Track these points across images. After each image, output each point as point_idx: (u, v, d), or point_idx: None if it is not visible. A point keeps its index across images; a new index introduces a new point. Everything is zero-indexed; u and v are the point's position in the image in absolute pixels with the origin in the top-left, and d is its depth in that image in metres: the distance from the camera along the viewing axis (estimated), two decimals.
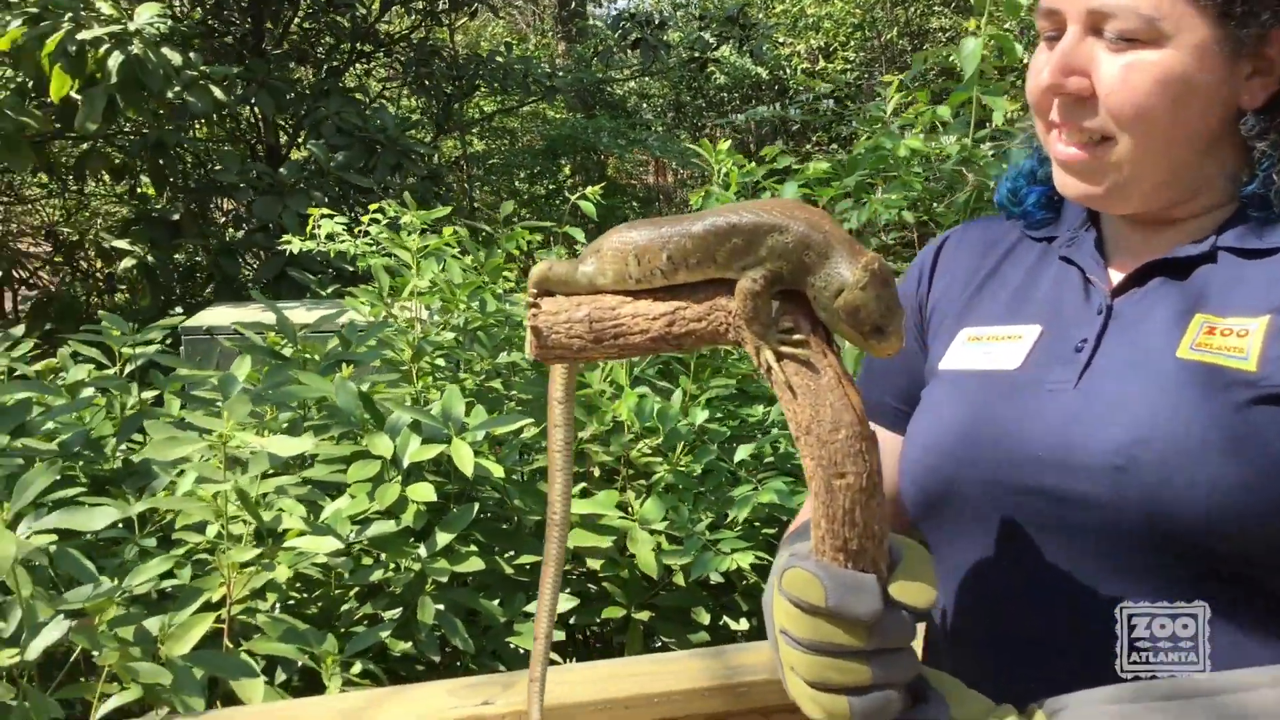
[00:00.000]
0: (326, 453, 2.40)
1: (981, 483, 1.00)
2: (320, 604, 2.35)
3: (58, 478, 2.32)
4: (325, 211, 4.06)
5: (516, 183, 13.85)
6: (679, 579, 2.44)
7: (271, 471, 2.24)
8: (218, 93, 6.78)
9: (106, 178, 9.72)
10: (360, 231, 3.80)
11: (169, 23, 6.60)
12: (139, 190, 10.06)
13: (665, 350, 0.93)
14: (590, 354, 0.94)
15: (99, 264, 10.16)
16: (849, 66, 15.00)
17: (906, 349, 1.17)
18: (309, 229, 4.05)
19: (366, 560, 2.34)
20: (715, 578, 2.46)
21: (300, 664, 2.11)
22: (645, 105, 16.23)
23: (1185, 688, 0.83)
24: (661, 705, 1.57)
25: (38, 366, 3.33)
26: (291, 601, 2.31)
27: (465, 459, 2.30)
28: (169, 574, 2.10)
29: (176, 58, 6.36)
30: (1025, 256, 1.14)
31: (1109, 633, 0.92)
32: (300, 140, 9.80)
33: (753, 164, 3.40)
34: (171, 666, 1.74)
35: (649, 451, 2.67)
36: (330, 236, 3.90)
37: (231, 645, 2.01)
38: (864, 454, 0.81)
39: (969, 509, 1.01)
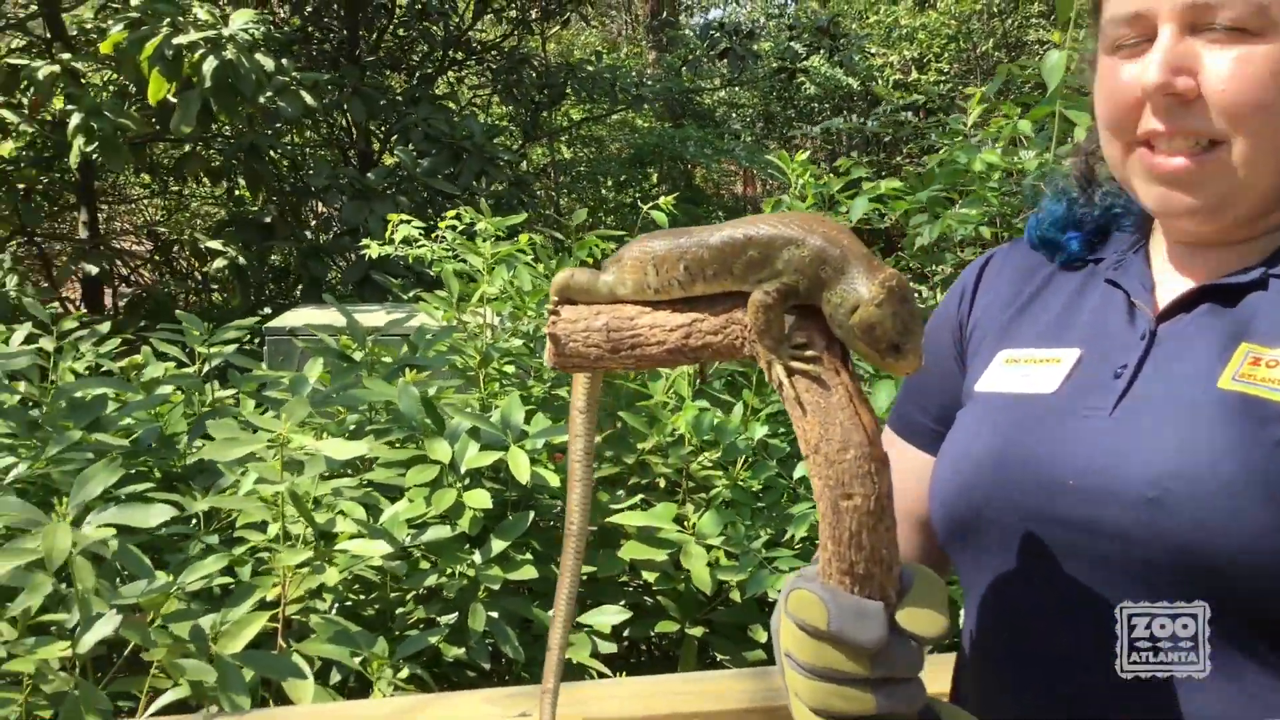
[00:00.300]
0: (386, 456, 2.42)
1: (1010, 507, 0.96)
2: (376, 606, 2.36)
3: (128, 473, 2.38)
4: (403, 217, 4.11)
5: (603, 190, 13.92)
6: (735, 595, 2.41)
7: (329, 474, 2.26)
8: (308, 98, 6.94)
9: (205, 179, 10.01)
10: (437, 237, 3.84)
11: (263, 29, 6.76)
12: (236, 193, 10.35)
13: (682, 363, 0.91)
14: (607, 364, 0.92)
15: (195, 264, 10.47)
16: (942, 78, 14.75)
17: (944, 369, 1.13)
18: (388, 234, 4.10)
19: (423, 565, 2.35)
20: (772, 595, 2.41)
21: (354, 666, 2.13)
22: (734, 115, 16.18)
23: None
24: None
25: (122, 363, 3.42)
26: (348, 603, 2.33)
27: (521, 467, 2.30)
28: (229, 571, 2.13)
29: (269, 63, 6.53)
30: (1070, 279, 1.09)
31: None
32: (390, 146, 9.98)
33: (830, 175, 3.36)
34: (219, 664, 1.76)
35: (709, 465, 2.63)
36: (407, 241, 3.94)
37: (285, 645, 2.03)
38: (872, 476, 0.77)
39: (997, 532, 0.98)
